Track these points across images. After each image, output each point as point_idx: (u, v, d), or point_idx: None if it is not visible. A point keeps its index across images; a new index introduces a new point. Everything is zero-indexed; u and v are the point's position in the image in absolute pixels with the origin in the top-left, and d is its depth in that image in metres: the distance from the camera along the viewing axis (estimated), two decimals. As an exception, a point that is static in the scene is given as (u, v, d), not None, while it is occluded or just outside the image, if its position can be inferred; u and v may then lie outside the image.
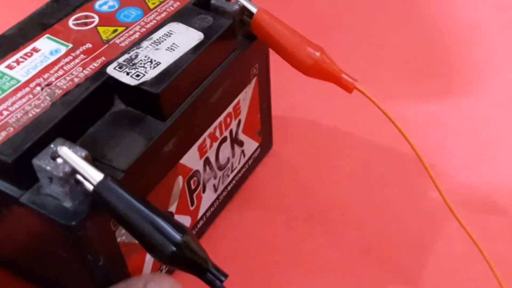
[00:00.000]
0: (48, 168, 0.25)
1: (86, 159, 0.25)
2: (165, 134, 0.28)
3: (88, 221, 0.25)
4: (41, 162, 0.25)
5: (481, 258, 0.33)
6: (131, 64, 0.29)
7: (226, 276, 0.25)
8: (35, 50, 0.30)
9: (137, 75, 0.28)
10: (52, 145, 0.25)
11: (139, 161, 0.27)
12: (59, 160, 0.25)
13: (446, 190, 0.36)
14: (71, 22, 0.32)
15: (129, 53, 0.30)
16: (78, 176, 0.25)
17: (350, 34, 0.50)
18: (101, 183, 0.25)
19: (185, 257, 0.25)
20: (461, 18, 0.51)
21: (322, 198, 0.39)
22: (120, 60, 0.29)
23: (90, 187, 0.25)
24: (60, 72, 0.29)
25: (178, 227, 0.25)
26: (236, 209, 0.38)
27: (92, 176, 0.25)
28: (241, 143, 0.37)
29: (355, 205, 0.39)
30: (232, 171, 0.37)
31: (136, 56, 0.29)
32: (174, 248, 0.24)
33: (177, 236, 0.24)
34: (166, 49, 0.30)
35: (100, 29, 0.31)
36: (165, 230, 0.24)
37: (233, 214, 0.38)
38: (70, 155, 0.25)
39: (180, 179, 0.31)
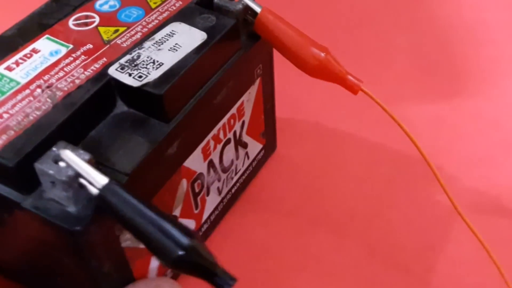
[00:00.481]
0: (50, 172, 0.25)
1: (89, 162, 0.25)
2: (168, 136, 0.28)
3: (92, 226, 0.25)
4: (43, 166, 0.25)
5: (490, 262, 0.33)
6: (133, 65, 0.29)
7: (234, 280, 0.25)
8: (35, 51, 0.30)
9: (140, 76, 0.28)
10: (54, 149, 0.25)
11: (142, 164, 0.27)
12: (61, 164, 0.25)
13: (454, 193, 0.36)
14: (71, 22, 0.32)
15: (131, 53, 0.30)
16: (82, 180, 0.25)
17: (356, 34, 0.50)
18: (106, 187, 0.24)
19: (193, 262, 0.25)
20: (469, 17, 0.51)
21: (328, 201, 0.39)
22: (122, 61, 0.29)
23: (94, 191, 0.25)
24: (61, 74, 0.29)
25: (186, 231, 0.25)
26: (241, 212, 0.38)
27: (96, 180, 0.25)
28: (245, 145, 0.37)
29: (361, 209, 0.39)
30: (236, 174, 0.37)
31: (138, 56, 0.29)
32: (181, 252, 0.24)
33: (185, 240, 0.24)
34: (169, 50, 0.30)
35: (101, 29, 0.31)
36: (172, 234, 0.24)
37: (238, 218, 0.38)
38: (73, 159, 0.25)
39: (184, 182, 0.31)
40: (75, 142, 0.26)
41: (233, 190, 0.37)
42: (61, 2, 0.33)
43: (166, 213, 0.25)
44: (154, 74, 0.28)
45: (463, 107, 0.44)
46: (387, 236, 0.37)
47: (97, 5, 0.33)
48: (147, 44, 0.30)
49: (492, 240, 0.34)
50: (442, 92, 0.45)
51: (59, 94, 0.28)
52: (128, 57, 0.29)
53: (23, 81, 0.28)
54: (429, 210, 0.38)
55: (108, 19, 0.32)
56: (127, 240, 0.28)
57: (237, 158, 0.36)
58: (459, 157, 0.41)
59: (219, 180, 0.35)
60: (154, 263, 0.31)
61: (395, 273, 0.35)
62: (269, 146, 0.40)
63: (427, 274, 0.35)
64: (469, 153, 0.41)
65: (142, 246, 0.29)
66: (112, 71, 0.29)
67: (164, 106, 0.28)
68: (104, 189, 0.24)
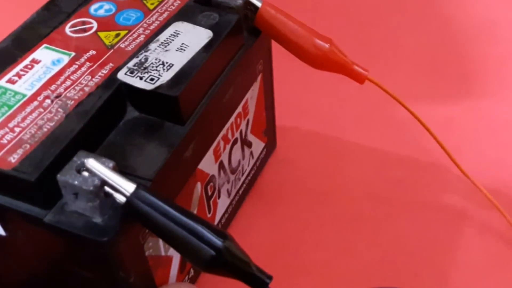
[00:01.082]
0: (75, 183, 0.25)
1: (114, 169, 0.25)
2: (185, 139, 0.29)
3: (120, 236, 0.25)
4: (67, 177, 0.25)
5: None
6: (142, 68, 0.29)
7: (271, 278, 0.26)
8: (35, 61, 0.30)
9: (152, 79, 0.29)
10: (75, 159, 0.25)
11: (164, 169, 0.27)
12: (85, 174, 0.25)
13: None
14: (67, 29, 0.32)
15: (137, 57, 0.30)
16: (107, 189, 0.25)
17: (363, 33, 0.50)
18: (134, 193, 0.25)
19: (227, 262, 0.25)
20: (478, 16, 0.51)
21: (334, 203, 0.39)
22: (130, 64, 0.29)
23: (122, 199, 0.25)
24: (68, 82, 0.29)
25: (218, 232, 0.25)
26: (247, 214, 0.39)
27: (124, 187, 0.25)
28: (250, 144, 0.37)
29: (368, 212, 0.39)
30: (242, 174, 0.37)
31: (146, 59, 0.30)
32: (215, 254, 0.25)
33: (218, 241, 0.25)
34: (176, 50, 0.30)
35: (101, 34, 0.31)
36: (204, 236, 0.25)
37: (244, 220, 0.38)
38: (99, 167, 0.25)
39: (198, 185, 0.32)
40: (91, 151, 0.26)
41: (240, 192, 0.38)
42: (52, 9, 0.33)
43: (196, 215, 0.26)
44: (166, 76, 0.29)
45: (473, 108, 0.44)
46: (395, 241, 0.37)
47: (91, 10, 0.33)
48: (152, 46, 0.30)
49: (502, 242, 0.36)
50: (452, 92, 0.46)
51: (70, 103, 0.28)
52: (135, 60, 0.30)
53: (29, 93, 0.28)
54: (438, 214, 0.38)
55: (106, 23, 0.32)
56: (150, 248, 0.29)
57: (243, 158, 0.37)
58: (469, 159, 0.40)
59: (228, 182, 0.36)
60: (174, 270, 0.32)
61: (404, 278, 0.35)
62: (270, 144, 0.41)
63: (436, 279, 0.35)
64: (479, 154, 0.41)
65: (163, 253, 0.30)
66: (122, 76, 0.29)
67: (180, 107, 0.28)
68: (132, 196, 0.25)
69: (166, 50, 0.30)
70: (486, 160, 0.41)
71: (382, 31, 0.51)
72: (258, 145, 0.39)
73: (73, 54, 0.30)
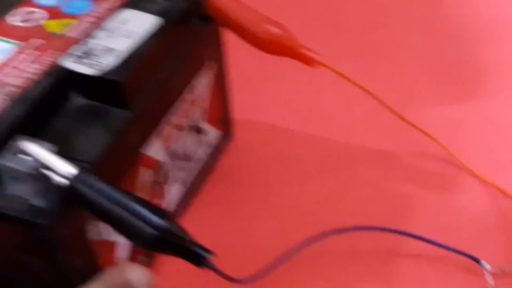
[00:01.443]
0: (11, 165, 0.25)
1: (53, 153, 0.26)
2: (129, 123, 0.29)
3: (61, 219, 0.26)
4: (3, 160, 0.25)
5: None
6: (88, 54, 0.30)
7: (210, 252, 0.26)
8: (-19, 51, 0.30)
9: (96, 65, 0.29)
10: (12, 142, 0.26)
11: (105, 153, 0.28)
12: (23, 156, 0.25)
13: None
14: (14, 18, 0.32)
15: (84, 44, 0.30)
16: (47, 171, 0.25)
17: (369, 35, 0.50)
18: (77, 177, 0.25)
19: (168, 241, 0.26)
20: (486, 16, 0.51)
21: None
22: (76, 52, 0.30)
23: (64, 182, 0.25)
24: (14, 71, 0.29)
25: (158, 211, 0.26)
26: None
27: (65, 170, 0.25)
28: (204, 132, 0.38)
29: (373, 214, 0.38)
30: (197, 163, 0.38)
31: (92, 46, 0.30)
32: (155, 233, 0.25)
33: (158, 221, 0.25)
34: (122, 37, 0.31)
35: (49, 23, 0.32)
36: (145, 216, 0.25)
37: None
38: (36, 150, 0.25)
39: (145, 170, 0.32)
40: (34, 136, 0.27)
41: (196, 181, 0.38)
42: (0, -1, 0.33)
43: (137, 196, 0.26)
44: (111, 62, 0.29)
45: (480, 109, 0.44)
46: (400, 243, 0.37)
47: (38, -1, 0.33)
48: (99, 33, 0.31)
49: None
50: (458, 93, 0.45)
51: (15, 90, 0.28)
52: (81, 47, 0.30)
53: (-27, 82, 0.29)
54: (444, 218, 0.38)
55: (54, 12, 0.32)
56: (94, 232, 0.29)
57: (198, 146, 0.37)
58: (476, 161, 0.40)
59: (181, 169, 0.36)
60: (122, 255, 0.32)
61: (410, 284, 0.35)
62: (227, 133, 0.41)
63: (442, 282, 0.35)
64: (486, 156, 0.41)
65: (109, 238, 0.30)
66: (67, 63, 0.29)
67: (124, 92, 0.29)
68: (75, 179, 0.25)
69: (113, 37, 0.31)
70: (492, 161, 0.40)
71: (388, 32, 0.51)
72: (213, 134, 0.39)
73: (19, 43, 0.31)
